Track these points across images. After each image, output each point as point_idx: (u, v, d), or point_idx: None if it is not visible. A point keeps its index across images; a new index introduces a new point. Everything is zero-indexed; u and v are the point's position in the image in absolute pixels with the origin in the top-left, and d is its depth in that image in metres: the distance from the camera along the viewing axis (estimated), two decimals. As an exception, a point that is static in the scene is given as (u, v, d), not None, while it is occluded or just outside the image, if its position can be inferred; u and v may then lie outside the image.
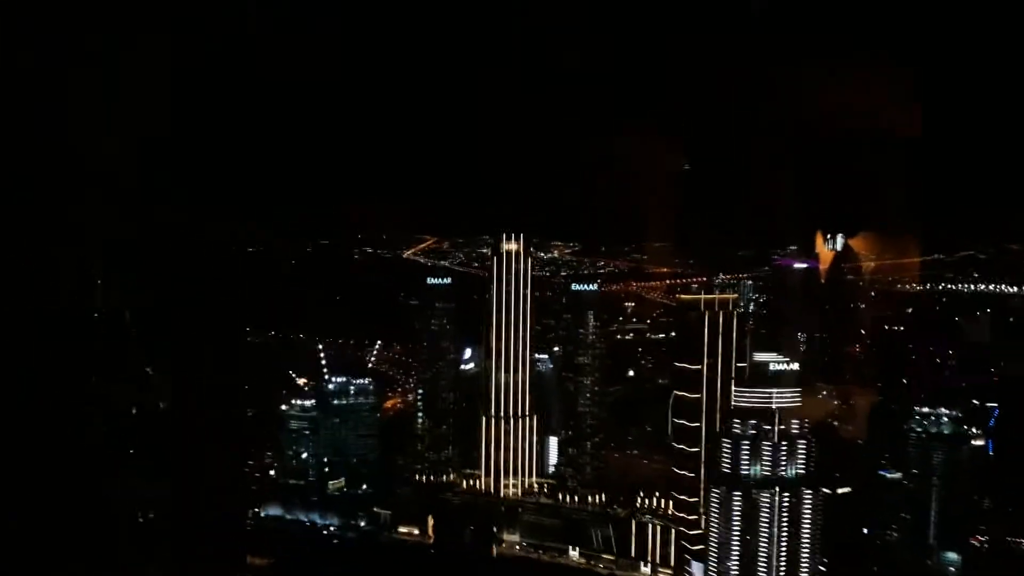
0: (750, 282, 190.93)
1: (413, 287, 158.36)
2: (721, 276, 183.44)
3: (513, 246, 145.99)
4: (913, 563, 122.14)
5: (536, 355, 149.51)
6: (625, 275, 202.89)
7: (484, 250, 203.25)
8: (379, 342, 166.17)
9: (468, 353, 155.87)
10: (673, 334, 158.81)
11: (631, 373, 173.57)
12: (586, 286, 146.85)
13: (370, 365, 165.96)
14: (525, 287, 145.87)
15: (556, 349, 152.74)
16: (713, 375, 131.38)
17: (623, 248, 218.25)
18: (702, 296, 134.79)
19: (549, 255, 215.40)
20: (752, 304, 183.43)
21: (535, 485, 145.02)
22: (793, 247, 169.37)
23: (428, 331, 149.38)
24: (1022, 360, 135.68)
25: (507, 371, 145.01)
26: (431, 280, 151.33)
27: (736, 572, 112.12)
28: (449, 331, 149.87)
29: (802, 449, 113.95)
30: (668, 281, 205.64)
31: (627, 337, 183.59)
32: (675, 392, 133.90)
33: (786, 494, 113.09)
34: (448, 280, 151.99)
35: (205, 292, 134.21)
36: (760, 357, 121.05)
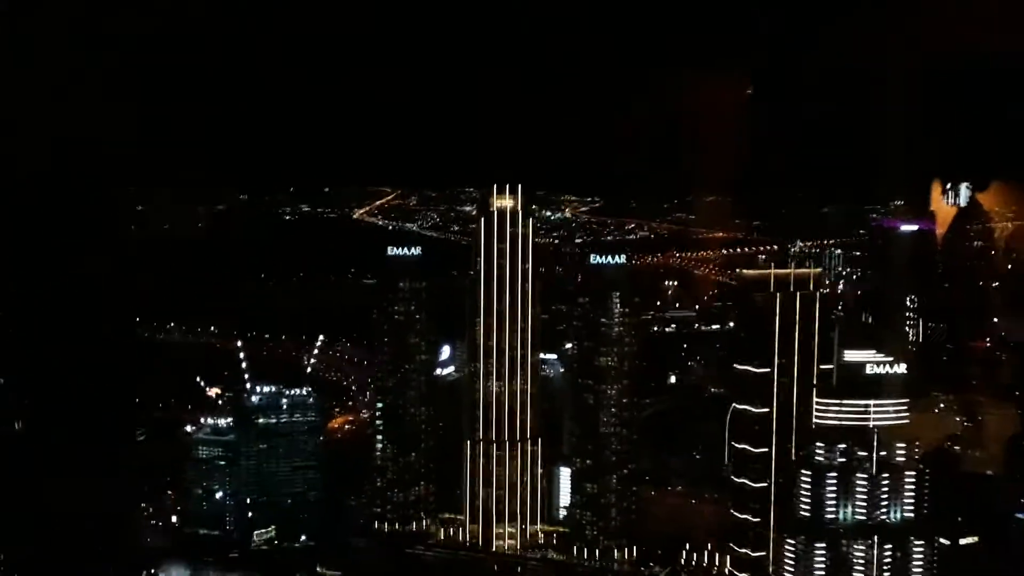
0: (839, 252, 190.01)
1: (368, 260, 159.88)
2: (799, 243, 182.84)
3: (508, 202, 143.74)
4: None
5: (541, 355, 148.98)
6: (665, 242, 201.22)
7: (467, 208, 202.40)
8: (321, 338, 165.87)
9: (446, 352, 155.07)
10: (731, 325, 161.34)
11: (673, 379, 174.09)
12: (610, 258, 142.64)
13: (309, 369, 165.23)
14: (525, 260, 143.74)
15: (569, 347, 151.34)
16: (787, 381, 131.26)
17: (661, 205, 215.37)
18: (772, 271, 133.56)
19: (558, 215, 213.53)
20: (842, 282, 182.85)
21: (540, 535, 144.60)
22: (898, 202, 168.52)
23: (389, 322, 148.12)
24: None
25: (500, 378, 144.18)
26: (393, 250, 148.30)
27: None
28: (419, 322, 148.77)
29: (910, 484, 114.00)
30: (725, 251, 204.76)
31: (667, 329, 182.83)
32: (734, 405, 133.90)
33: (888, 546, 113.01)
34: (417, 251, 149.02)
35: (75, 273, 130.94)
36: (853, 356, 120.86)
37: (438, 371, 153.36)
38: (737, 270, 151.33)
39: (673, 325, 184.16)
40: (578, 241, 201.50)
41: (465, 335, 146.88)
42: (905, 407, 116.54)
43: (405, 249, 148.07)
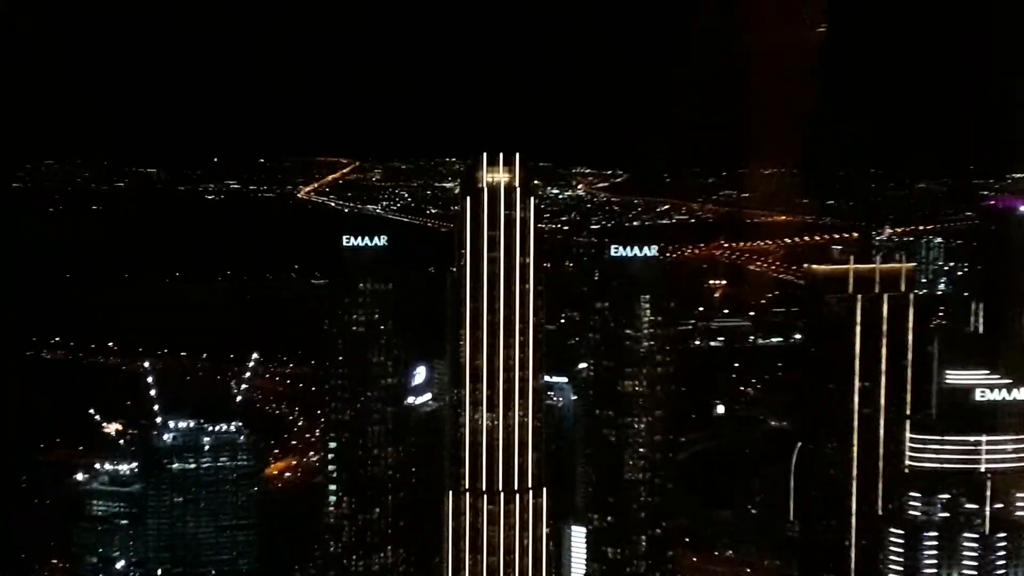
0: (939, 240, 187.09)
1: (317, 253, 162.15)
2: (886, 230, 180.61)
3: (502, 176, 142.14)
4: None
5: (547, 378, 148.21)
6: (710, 229, 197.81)
7: (448, 184, 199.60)
8: (255, 356, 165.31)
9: (420, 375, 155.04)
10: (798, 337, 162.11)
11: (721, 409, 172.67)
12: (638, 250, 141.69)
13: (240, 398, 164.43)
14: (525, 253, 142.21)
15: (583, 367, 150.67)
16: (872, 412, 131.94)
17: (705, 180, 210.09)
18: (851, 267, 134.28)
19: (569, 193, 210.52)
20: (943, 280, 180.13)
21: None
22: (1017, 175, 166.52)
23: (346, 335, 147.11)
24: None
25: (493, 408, 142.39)
26: (350, 240, 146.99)
27: None
28: (385, 334, 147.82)
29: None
30: (789, 240, 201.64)
31: (714, 343, 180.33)
32: (801, 443, 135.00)
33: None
34: (382, 240, 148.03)
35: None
36: (959, 378, 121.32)
37: (410, 399, 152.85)
38: (805, 265, 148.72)
39: (721, 338, 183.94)
40: (595, 227, 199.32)
41: (446, 352, 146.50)
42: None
43: (366, 238, 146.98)
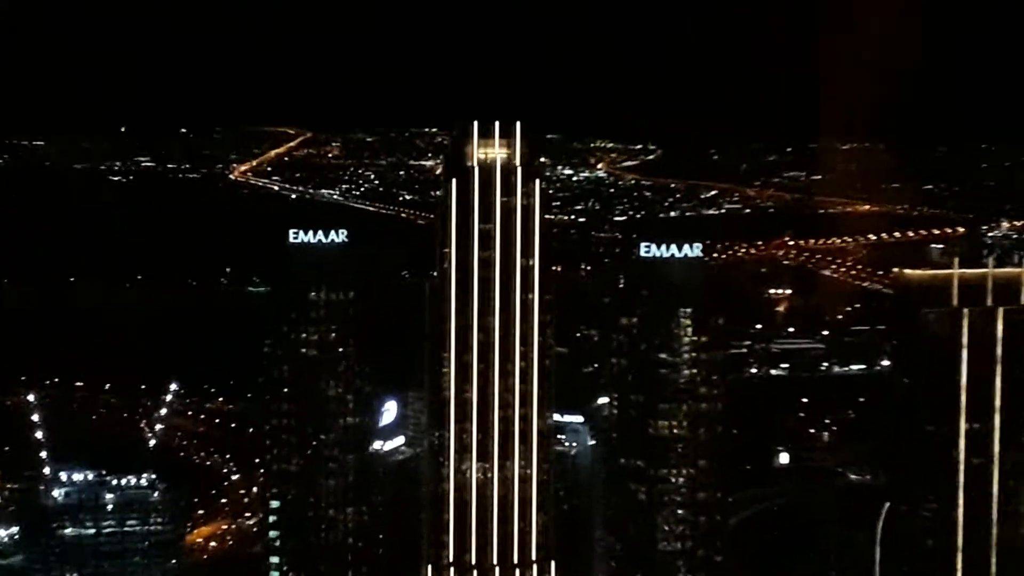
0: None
1: (256, 252, 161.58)
2: (1003, 224, 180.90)
3: (498, 152, 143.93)
4: None
5: (556, 417, 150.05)
6: (771, 221, 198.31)
7: (427, 162, 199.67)
8: (174, 387, 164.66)
9: (390, 412, 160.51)
10: (885, 364, 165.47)
11: (784, 458, 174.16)
12: (676, 249, 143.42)
13: (155, 441, 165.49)
14: (528, 252, 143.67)
15: (604, 402, 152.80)
16: (984, 463, 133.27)
17: (765, 157, 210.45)
18: (955, 272, 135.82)
19: (586, 174, 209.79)
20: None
21: None
22: None
23: (292, 360, 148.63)
24: None
25: (485, 456, 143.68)
26: (299, 235, 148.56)
27: None
28: (343, 359, 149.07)
29: None
30: (874, 236, 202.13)
31: (775, 372, 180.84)
32: (888, 503, 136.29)
33: None
34: (341, 235, 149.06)
35: None
36: None
37: (377, 444, 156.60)
38: (895, 270, 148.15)
39: (785, 364, 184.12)
40: (620, 219, 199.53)
41: (423, 382, 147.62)
42: None
43: (320, 233, 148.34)
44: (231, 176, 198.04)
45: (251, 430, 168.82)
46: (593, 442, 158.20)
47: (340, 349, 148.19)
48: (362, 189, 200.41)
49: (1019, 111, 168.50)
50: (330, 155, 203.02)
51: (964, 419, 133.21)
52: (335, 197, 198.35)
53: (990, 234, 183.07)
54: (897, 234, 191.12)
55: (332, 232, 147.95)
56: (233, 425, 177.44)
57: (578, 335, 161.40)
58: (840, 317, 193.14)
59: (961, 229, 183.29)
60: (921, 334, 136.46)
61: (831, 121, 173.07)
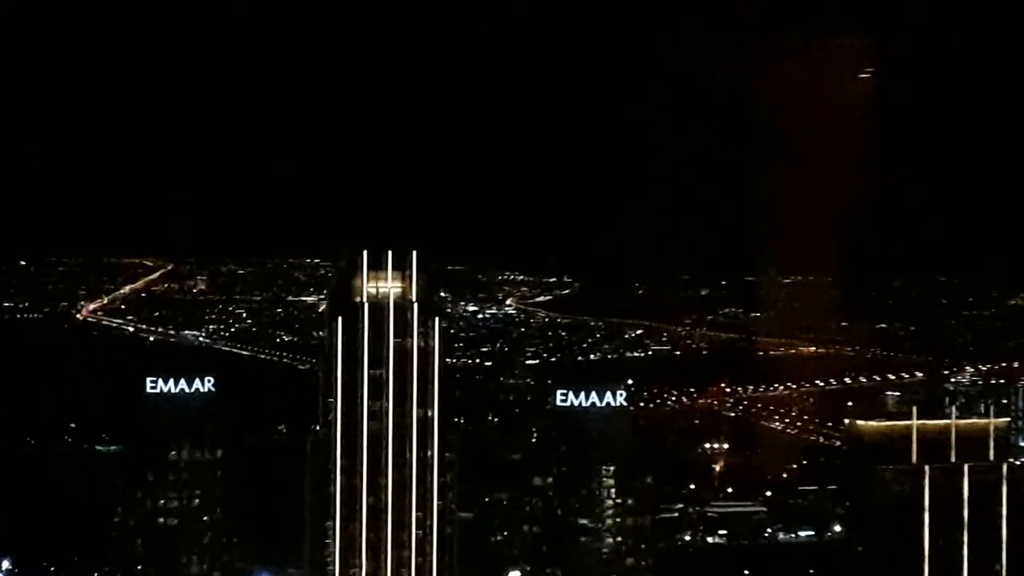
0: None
1: (106, 404, 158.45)
2: (967, 370, 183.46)
3: (391, 285, 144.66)
4: None
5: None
6: (705, 365, 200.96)
7: (309, 297, 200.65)
8: (6, 565, 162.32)
9: None
10: (837, 530, 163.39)
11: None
12: (596, 398, 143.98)
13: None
14: (426, 401, 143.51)
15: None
16: None
17: (696, 291, 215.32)
18: (914, 422, 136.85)
19: (493, 311, 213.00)
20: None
21: None
22: None
23: (147, 530, 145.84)
24: None
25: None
26: (157, 384, 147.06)
27: None
28: (209, 529, 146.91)
29: None
30: (821, 383, 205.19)
31: (711, 539, 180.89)
32: None
33: None
34: (208, 384, 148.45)
35: None
36: None
37: None
38: (847, 421, 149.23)
39: (723, 531, 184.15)
40: (532, 363, 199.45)
41: (303, 557, 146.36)
42: None
43: (183, 381, 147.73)
44: (78, 315, 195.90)
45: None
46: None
47: (205, 518, 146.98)
48: (232, 330, 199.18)
49: (984, 240, 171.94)
50: (195, 290, 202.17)
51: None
52: (201, 339, 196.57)
53: (952, 380, 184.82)
54: (848, 380, 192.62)
55: (197, 380, 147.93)
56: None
57: (485, 499, 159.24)
58: (785, 476, 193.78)
59: (920, 374, 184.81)
60: (877, 495, 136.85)
61: (771, 252, 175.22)
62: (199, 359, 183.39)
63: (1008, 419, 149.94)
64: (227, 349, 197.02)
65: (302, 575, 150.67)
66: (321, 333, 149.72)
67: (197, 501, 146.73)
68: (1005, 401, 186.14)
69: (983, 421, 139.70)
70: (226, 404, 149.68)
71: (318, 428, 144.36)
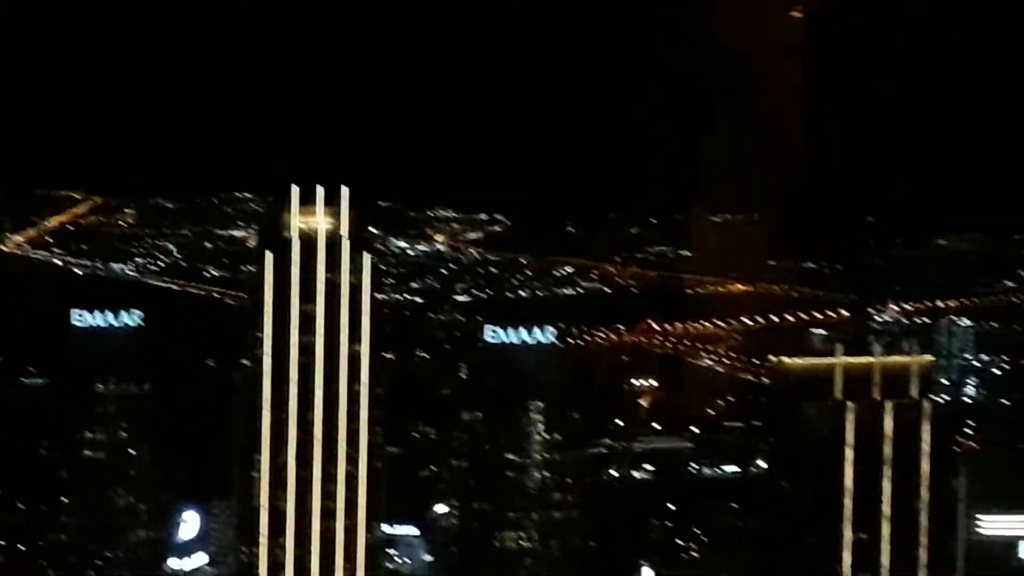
0: (967, 323, 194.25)
1: (31, 337, 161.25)
2: (891, 308, 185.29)
3: (322, 222, 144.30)
4: None
5: (385, 528, 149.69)
6: (634, 303, 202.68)
7: (237, 232, 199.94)
8: None
9: (191, 524, 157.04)
10: (761, 465, 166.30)
11: (648, 574, 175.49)
12: (525, 335, 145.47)
13: None
14: (356, 337, 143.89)
15: (443, 511, 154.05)
16: (869, 575, 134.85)
17: (627, 229, 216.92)
18: (838, 360, 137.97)
19: (423, 248, 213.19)
20: (973, 381, 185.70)
21: None
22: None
23: (73, 463, 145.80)
24: None
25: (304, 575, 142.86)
26: (83, 317, 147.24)
27: None
28: (135, 463, 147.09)
29: None
30: (748, 320, 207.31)
31: (638, 474, 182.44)
32: None
33: None
34: (135, 317, 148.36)
35: None
36: (995, 524, 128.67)
37: (174, 563, 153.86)
38: (772, 358, 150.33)
39: (649, 466, 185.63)
40: (462, 300, 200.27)
41: (231, 490, 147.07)
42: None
43: (109, 315, 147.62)
44: (3, 247, 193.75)
45: (22, 547, 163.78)
46: (430, 557, 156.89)
47: (132, 451, 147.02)
48: (160, 264, 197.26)
49: (911, 181, 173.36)
50: (123, 223, 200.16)
51: (849, 528, 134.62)
52: (128, 273, 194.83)
53: (877, 318, 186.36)
54: (775, 318, 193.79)
55: (124, 313, 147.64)
56: (2, 543, 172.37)
57: (414, 433, 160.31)
58: (711, 412, 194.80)
59: (845, 313, 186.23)
60: (801, 431, 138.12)
61: (701, 191, 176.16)
62: (126, 292, 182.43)
63: (931, 357, 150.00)
64: (155, 283, 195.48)
65: (228, 508, 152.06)
66: (250, 268, 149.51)
67: (123, 435, 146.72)
68: (929, 339, 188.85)
69: (906, 359, 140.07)
70: (153, 338, 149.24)
71: (246, 362, 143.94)
